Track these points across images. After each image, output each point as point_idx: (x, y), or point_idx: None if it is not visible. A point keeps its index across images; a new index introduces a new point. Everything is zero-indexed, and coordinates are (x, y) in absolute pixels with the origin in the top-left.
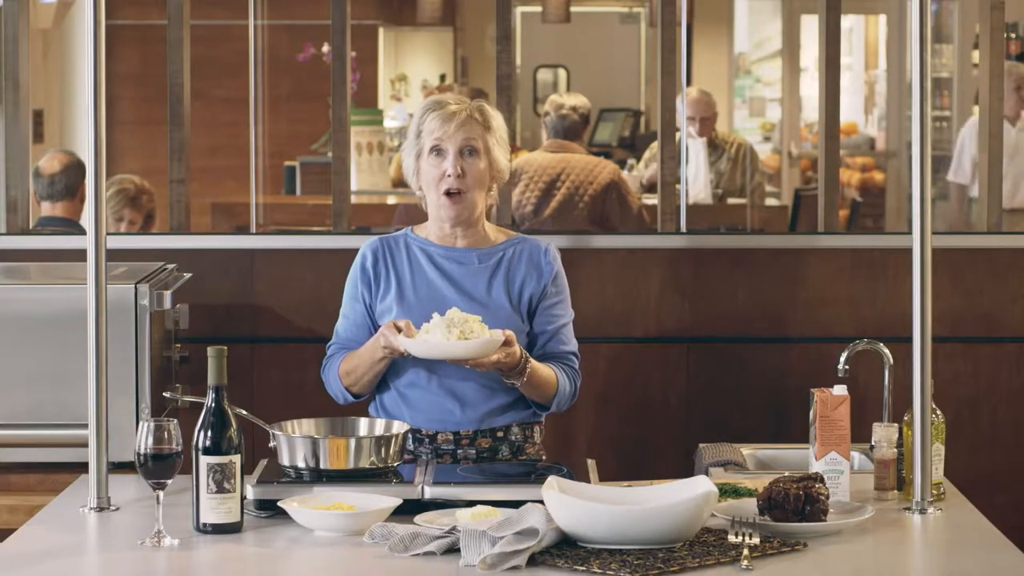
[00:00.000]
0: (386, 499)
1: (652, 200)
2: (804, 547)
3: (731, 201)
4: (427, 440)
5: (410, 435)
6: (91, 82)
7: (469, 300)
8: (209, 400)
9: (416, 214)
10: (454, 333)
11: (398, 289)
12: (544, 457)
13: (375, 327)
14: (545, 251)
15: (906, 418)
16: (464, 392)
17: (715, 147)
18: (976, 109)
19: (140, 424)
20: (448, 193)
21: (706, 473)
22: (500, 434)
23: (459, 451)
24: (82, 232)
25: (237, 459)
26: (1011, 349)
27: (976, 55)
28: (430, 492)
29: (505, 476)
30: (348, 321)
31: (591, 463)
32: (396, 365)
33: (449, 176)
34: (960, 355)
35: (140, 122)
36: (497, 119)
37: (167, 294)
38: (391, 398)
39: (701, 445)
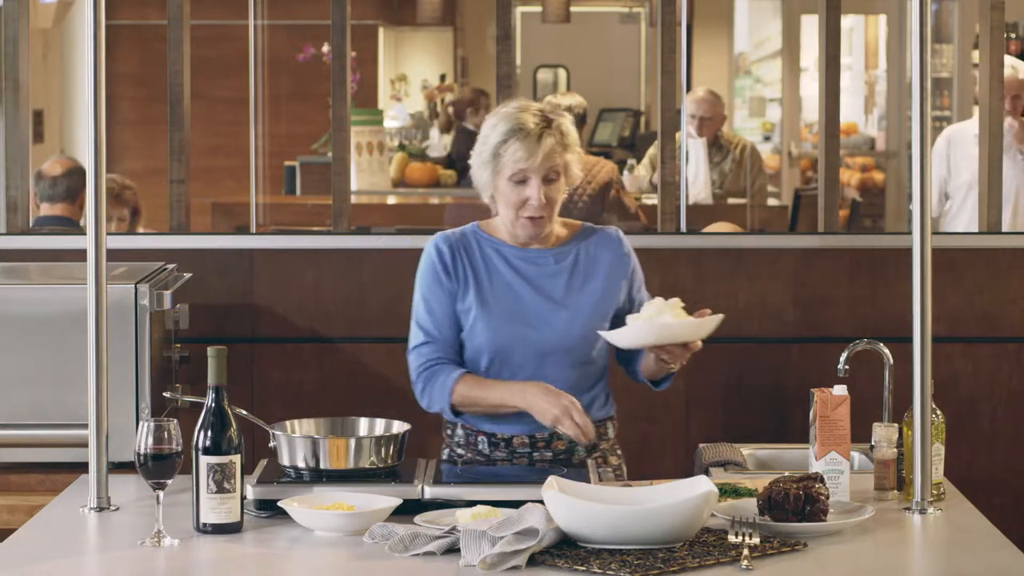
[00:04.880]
0: (386, 499)
1: (652, 200)
2: (804, 547)
3: (731, 201)
4: (503, 444)
5: (485, 439)
6: (91, 82)
7: (548, 301)
8: (209, 400)
9: (466, 213)
10: (682, 315)
11: (476, 288)
12: (620, 452)
13: (457, 322)
14: (619, 242)
15: (906, 418)
16: None
17: (720, 147)
18: (976, 109)
19: (140, 424)
20: (530, 218)
21: (706, 473)
22: None
23: (535, 454)
24: (81, 232)
25: (237, 459)
26: (1011, 349)
27: (976, 55)
28: (430, 492)
29: (505, 476)
30: (435, 316)
31: (591, 463)
32: (474, 365)
33: (533, 204)
34: (960, 355)
35: (140, 122)
36: (572, 132)
37: (167, 294)
38: None
39: (701, 445)
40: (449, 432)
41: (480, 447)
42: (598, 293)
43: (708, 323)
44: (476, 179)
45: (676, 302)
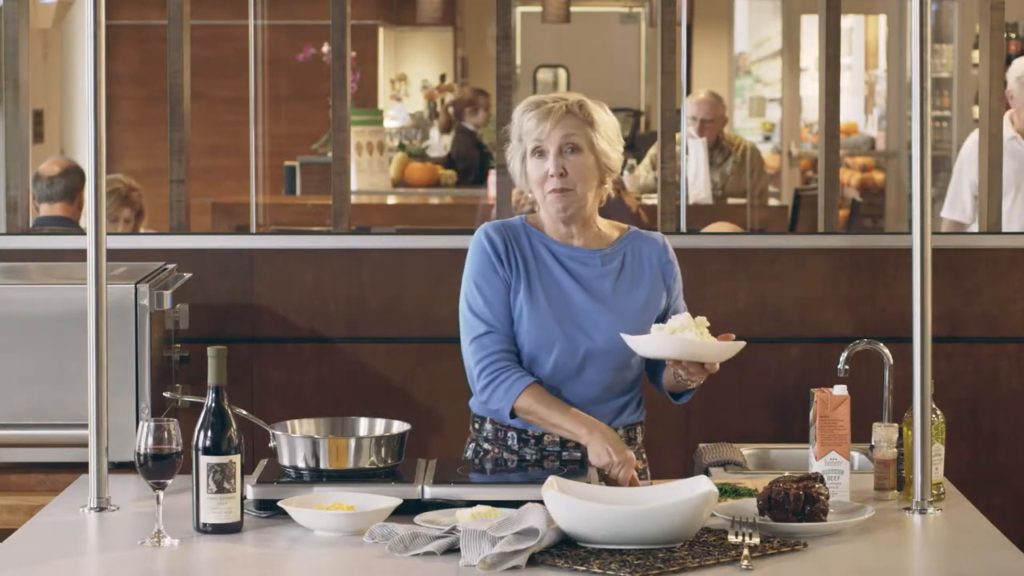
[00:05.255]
0: (386, 499)
1: (652, 200)
2: (804, 547)
3: (731, 201)
4: (533, 441)
5: (515, 435)
6: (91, 82)
7: (596, 303)
8: (209, 400)
9: (494, 214)
10: (706, 334)
11: (526, 281)
12: (645, 457)
13: (511, 312)
14: (664, 248)
15: (906, 418)
16: (577, 395)
17: (722, 149)
18: (976, 109)
19: (140, 424)
20: (553, 191)
21: (706, 473)
22: None
23: (564, 453)
24: (81, 232)
25: (237, 459)
26: (1011, 349)
27: (976, 55)
28: (430, 492)
29: (505, 476)
30: (493, 306)
31: (591, 462)
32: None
33: (552, 176)
34: (960, 355)
35: (140, 122)
36: (600, 113)
37: (167, 294)
38: None
39: (701, 445)
40: (477, 426)
41: (509, 443)
42: (643, 298)
43: (729, 348)
44: (512, 171)
45: (702, 320)
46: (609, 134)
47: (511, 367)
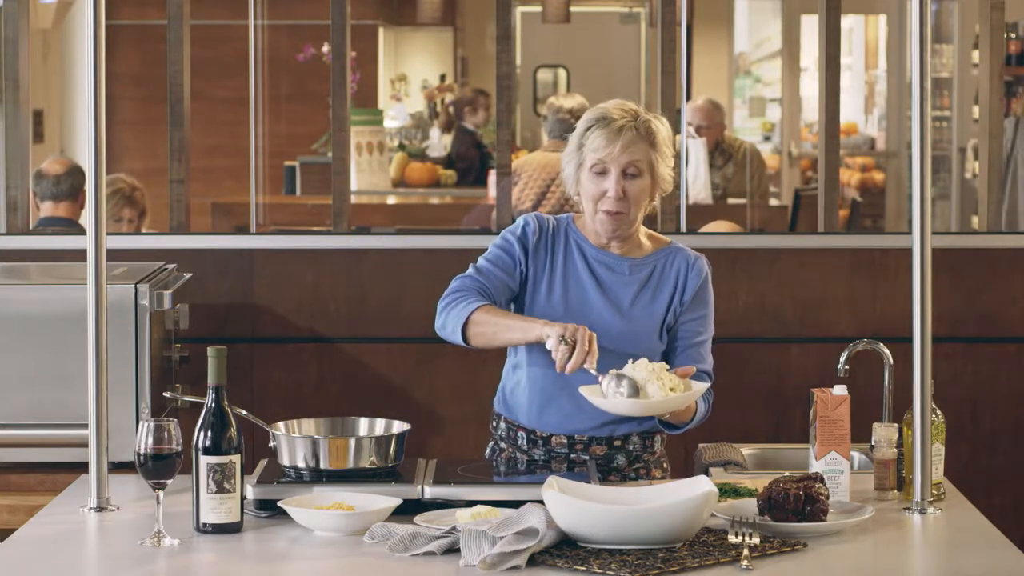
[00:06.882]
0: (386, 499)
1: None
2: (804, 547)
3: (731, 201)
4: (541, 442)
5: (524, 435)
6: (91, 82)
7: (614, 309)
8: (209, 400)
9: (488, 216)
10: (667, 381)
11: (549, 275)
12: (667, 467)
13: (517, 287)
14: (693, 264)
15: (906, 418)
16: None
17: (723, 152)
18: (976, 109)
19: (140, 424)
20: (607, 212)
21: (706, 473)
22: (617, 443)
23: (572, 455)
24: (83, 232)
25: (237, 459)
26: (1011, 349)
27: (976, 55)
28: (430, 492)
29: (504, 476)
30: (489, 263)
31: (591, 463)
32: (527, 355)
33: (610, 197)
34: (960, 355)
35: (140, 122)
36: (662, 132)
37: (167, 294)
38: (519, 388)
39: (701, 445)
40: (494, 425)
41: (519, 442)
42: (662, 310)
43: (685, 399)
44: (564, 174)
45: (662, 366)
46: (666, 153)
47: (474, 295)
